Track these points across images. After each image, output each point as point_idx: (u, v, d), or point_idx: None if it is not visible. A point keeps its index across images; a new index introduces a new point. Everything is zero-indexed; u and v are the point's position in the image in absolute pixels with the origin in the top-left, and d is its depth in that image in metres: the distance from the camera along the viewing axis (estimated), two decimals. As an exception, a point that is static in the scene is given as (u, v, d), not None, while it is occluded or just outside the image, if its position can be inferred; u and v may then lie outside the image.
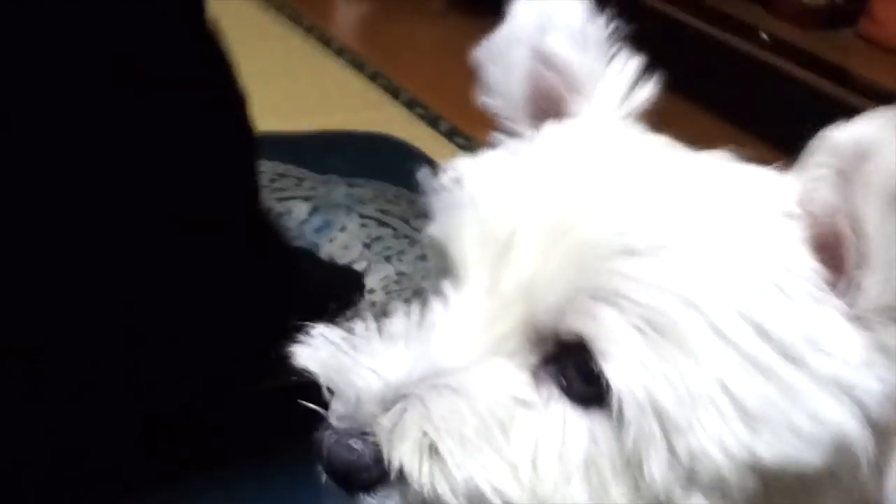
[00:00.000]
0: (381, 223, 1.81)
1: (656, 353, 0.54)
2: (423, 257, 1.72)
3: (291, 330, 0.62)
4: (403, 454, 0.56)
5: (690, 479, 0.55)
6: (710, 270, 0.55)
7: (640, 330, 0.55)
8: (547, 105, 0.68)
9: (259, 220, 1.37)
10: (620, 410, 0.55)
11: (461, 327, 0.60)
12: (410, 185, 1.90)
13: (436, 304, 0.61)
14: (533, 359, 0.59)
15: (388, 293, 1.63)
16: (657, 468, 0.55)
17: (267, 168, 1.85)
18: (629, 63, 0.66)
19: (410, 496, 0.57)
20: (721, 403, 0.54)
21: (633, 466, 0.56)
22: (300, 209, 1.82)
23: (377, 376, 0.59)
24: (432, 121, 2.38)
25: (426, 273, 0.73)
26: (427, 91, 2.52)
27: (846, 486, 0.58)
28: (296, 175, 1.92)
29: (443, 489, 0.56)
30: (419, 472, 0.56)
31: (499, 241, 0.59)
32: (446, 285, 0.62)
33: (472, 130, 2.31)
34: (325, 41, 2.77)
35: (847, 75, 2.04)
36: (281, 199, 1.82)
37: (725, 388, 0.54)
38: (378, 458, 0.57)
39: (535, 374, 0.59)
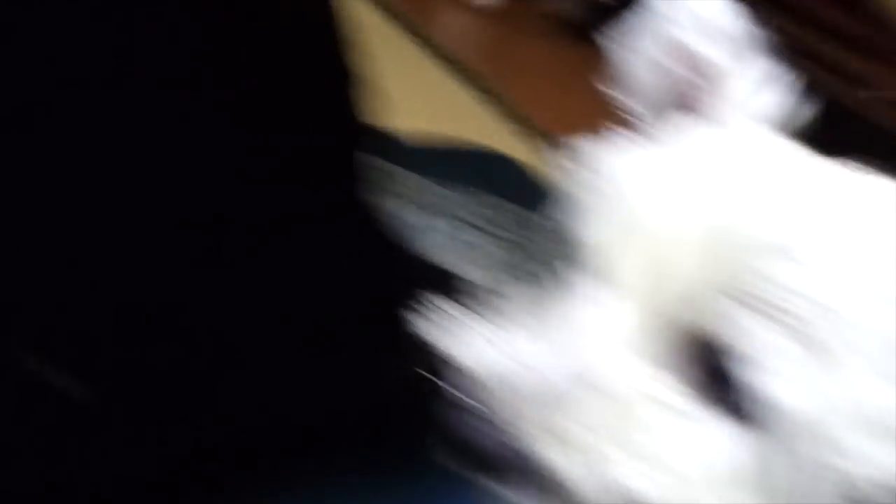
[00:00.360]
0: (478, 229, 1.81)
1: (806, 367, 0.54)
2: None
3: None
4: (548, 450, 0.56)
5: (841, 497, 0.54)
6: (865, 285, 0.54)
7: (791, 341, 0.54)
8: (680, 101, 0.68)
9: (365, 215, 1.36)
10: (770, 423, 0.54)
11: (611, 324, 0.60)
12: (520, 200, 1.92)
13: (579, 300, 0.61)
14: (682, 363, 0.59)
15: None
16: (805, 487, 0.54)
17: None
18: (771, 67, 0.66)
19: (552, 494, 0.57)
20: (868, 421, 0.53)
21: (776, 485, 0.55)
22: (401, 210, 1.81)
23: (525, 366, 0.58)
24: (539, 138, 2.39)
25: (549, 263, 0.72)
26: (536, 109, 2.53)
27: None
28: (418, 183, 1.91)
29: (588, 487, 0.56)
30: (566, 469, 0.56)
31: (650, 240, 0.59)
32: (589, 282, 0.61)
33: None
34: (437, 50, 2.78)
35: None
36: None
37: (871, 406, 0.53)
38: (515, 450, 0.57)
39: (685, 380, 0.59)
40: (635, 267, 0.59)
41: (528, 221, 1.87)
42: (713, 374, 0.57)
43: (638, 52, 0.68)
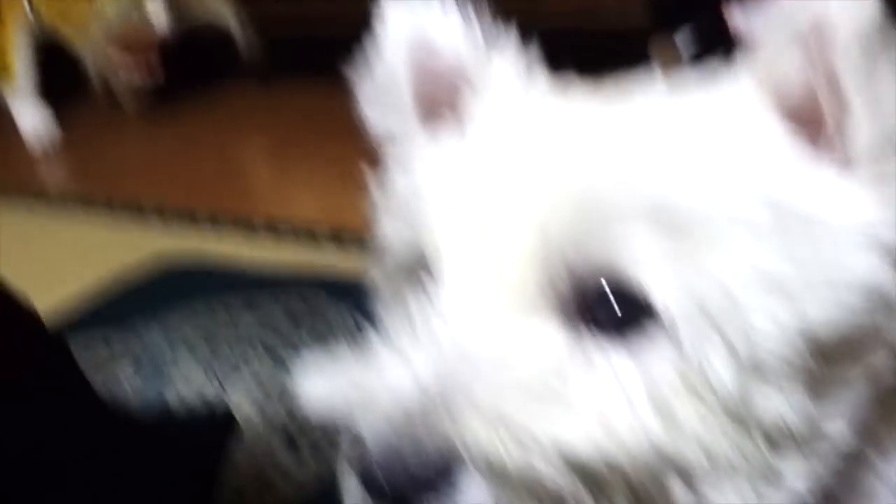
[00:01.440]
0: (209, 339, 1.73)
1: (685, 254, 0.55)
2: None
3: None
4: (476, 435, 0.53)
5: (755, 369, 0.55)
6: (709, 161, 0.56)
7: (662, 237, 0.55)
8: (436, 105, 0.68)
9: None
10: (667, 321, 0.55)
11: (470, 302, 0.58)
12: (213, 288, 1.87)
13: (429, 296, 0.60)
14: (558, 307, 0.58)
15: (254, 400, 1.56)
16: (721, 367, 0.55)
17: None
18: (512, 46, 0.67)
19: (490, 476, 0.54)
20: (759, 282, 0.55)
21: (694, 380, 0.55)
22: (124, 369, 1.71)
23: (407, 377, 0.55)
24: (192, 218, 2.33)
25: (384, 283, 0.69)
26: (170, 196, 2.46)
27: (888, 332, 0.59)
28: (100, 339, 1.80)
29: (530, 456, 0.53)
30: (500, 445, 0.53)
31: (482, 207, 0.58)
32: (429, 277, 0.60)
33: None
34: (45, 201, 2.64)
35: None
36: (99, 369, 1.71)
37: (758, 267, 0.55)
38: (442, 458, 0.53)
39: (567, 322, 0.58)
40: (472, 236, 0.58)
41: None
42: (593, 309, 0.57)
43: (386, 65, 0.68)
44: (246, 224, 2.26)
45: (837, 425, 0.60)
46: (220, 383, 1.63)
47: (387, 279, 0.68)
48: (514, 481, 0.54)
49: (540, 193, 0.57)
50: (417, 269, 0.63)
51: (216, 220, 2.31)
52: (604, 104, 0.60)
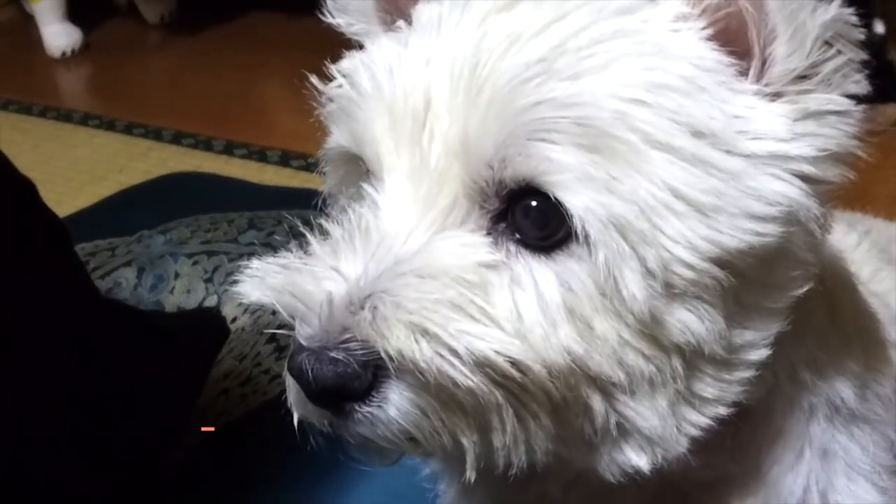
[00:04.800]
0: (211, 253, 1.76)
1: (604, 172, 0.56)
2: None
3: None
4: (397, 342, 0.55)
5: (668, 289, 0.57)
6: (632, 84, 0.57)
7: (582, 154, 0.56)
8: (395, 11, 0.69)
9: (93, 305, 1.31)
10: (586, 236, 0.56)
11: (403, 213, 0.59)
12: (219, 206, 1.90)
13: (366, 206, 0.61)
14: (484, 220, 0.59)
15: (252, 313, 1.60)
16: (634, 285, 0.56)
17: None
18: None
19: (414, 385, 0.56)
20: (676, 206, 0.56)
21: (610, 295, 0.57)
22: (127, 276, 1.74)
23: (338, 281, 0.57)
24: (206, 145, 2.35)
25: (331, 196, 0.72)
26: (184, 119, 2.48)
27: (802, 258, 0.62)
28: (105, 248, 1.84)
29: (448, 364, 0.55)
30: (420, 353, 0.55)
31: (415, 117, 0.59)
32: (367, 187, 0.61)
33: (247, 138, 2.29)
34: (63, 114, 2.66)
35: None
36: (104, 276, 1.75)
37: (675, 190, 0.56)
38: (365, 362, 0.56)
39: (491, 235, 0.59)
40: (405, 146, 0.59)
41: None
42: (516, 218, 0.59)
43: None
44: (259, 153, 2.28)
45: (760, 353, 0.62)
46: (218, 295, 1.66)
47: (333, 187, 0.70)
48: (435, 391, 0.56)
49: (470, 103, 0.58)
50: (357, 178, 0.65)
51: (231, 146, 2.33)
52: (537, 22, 0.60)
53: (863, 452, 0.73)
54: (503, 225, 0.59)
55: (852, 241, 0.94)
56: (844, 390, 0.71)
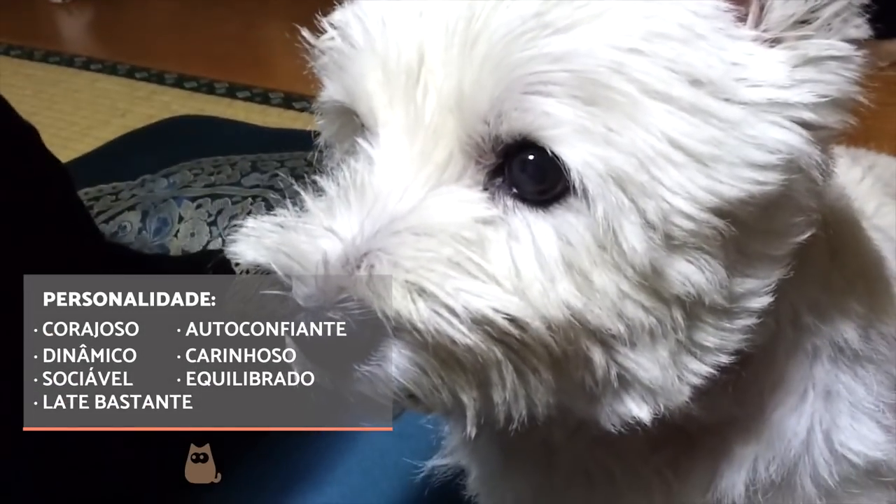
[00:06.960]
0: (215, 196, 1.76)
1: (602, 124, 0.55)
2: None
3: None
4: (394, 302, 0.54)
5: (668, 240, 0.56)
6: (628, 33, 0.56)
7: (579, 107, 0.55)
8: None
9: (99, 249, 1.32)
10: (584, 190, 0.55)
11: (398, 169, 0.59)
12: (221, 149, 1.90)
13: (360, 162, 0.60)
14: (480, 176, 0.59)
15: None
16: (634, 238, 0.56)
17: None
18: None
19: (412, 343, 0.56)
20: (675, 156, 0.56)
21: (609, 248, 0.56)
22: (131, 220, 1.75)
23: (333, 240, 0.57)
24: (209, 88, 2.34)
25: (327, 147, 0.71)
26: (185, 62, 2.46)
27: (803, 204, 0.61)
28: (109, 192, 1.84)
29: (445, 323, 0.55)
30: (417, 313, 0.55)
31: (408, 72, 0.58)
32: (362, 142, 0.61)
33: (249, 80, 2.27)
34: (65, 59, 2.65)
35: None
36: (108, 220, 1.75)
37: (674, 141, 0.55)
38: (363, 321, 0.55)
39: (488, 190, 0.59)
40: (399, 101, 0.58)
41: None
42: (513, 173, 0.58)
43: None
44: (262, 95, 2.27)
45: (762, 300, 0.61)
46: (222, 238, 1.66)
47: (329, 139, 0.69)
48: (434, 349, 0.55)
49: (465, 58, 0.57)
50: (351, 132, 0.64)
51: (233, 88, 2.32)
52: None
53: (867, 392, 0.73)
54: (500, 180, 0.59)
55: (856, 175, 0.93)
56: (848, 331, 0.71)
